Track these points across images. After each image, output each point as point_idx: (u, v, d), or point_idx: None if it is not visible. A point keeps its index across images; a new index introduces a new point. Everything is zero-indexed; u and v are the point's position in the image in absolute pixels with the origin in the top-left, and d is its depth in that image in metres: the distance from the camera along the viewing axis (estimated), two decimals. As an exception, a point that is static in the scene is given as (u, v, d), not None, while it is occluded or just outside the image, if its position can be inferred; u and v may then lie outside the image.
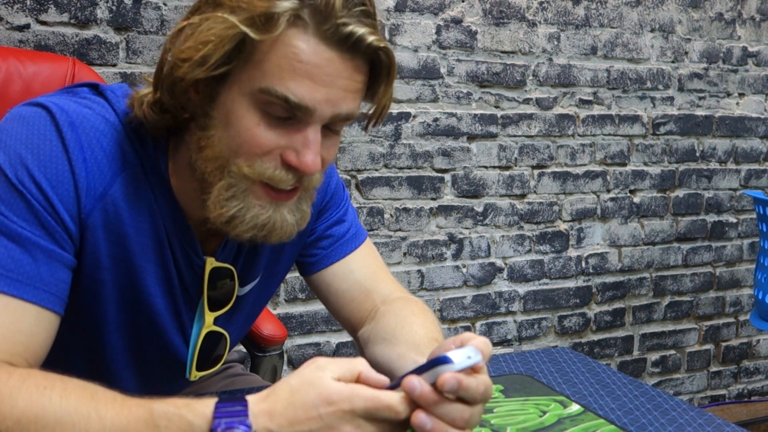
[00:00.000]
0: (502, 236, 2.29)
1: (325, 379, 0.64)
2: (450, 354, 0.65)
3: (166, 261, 0.86)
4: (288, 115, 0.76)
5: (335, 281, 1.02)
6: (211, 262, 0.89)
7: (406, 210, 2.14)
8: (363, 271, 1.03)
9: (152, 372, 0.94)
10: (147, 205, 0.83)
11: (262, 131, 0.76)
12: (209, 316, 0.91)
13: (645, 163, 2.50)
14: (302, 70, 0.74)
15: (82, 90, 0.85)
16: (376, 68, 0.80)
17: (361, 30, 0.75)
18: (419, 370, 0.66)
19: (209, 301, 0.91)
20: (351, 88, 0.77)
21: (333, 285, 1.02)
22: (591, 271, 2.46)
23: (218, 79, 0.77)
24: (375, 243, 2.10)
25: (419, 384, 0.64)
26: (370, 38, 0.75)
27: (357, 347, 1.04)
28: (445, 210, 2.19)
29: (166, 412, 0.65)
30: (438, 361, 0.65)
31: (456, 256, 2.23)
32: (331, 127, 0.80)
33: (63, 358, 0.82)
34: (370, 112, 0.84)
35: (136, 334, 0.89)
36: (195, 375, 0.94)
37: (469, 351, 0.66)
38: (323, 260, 1.02)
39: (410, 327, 0.93)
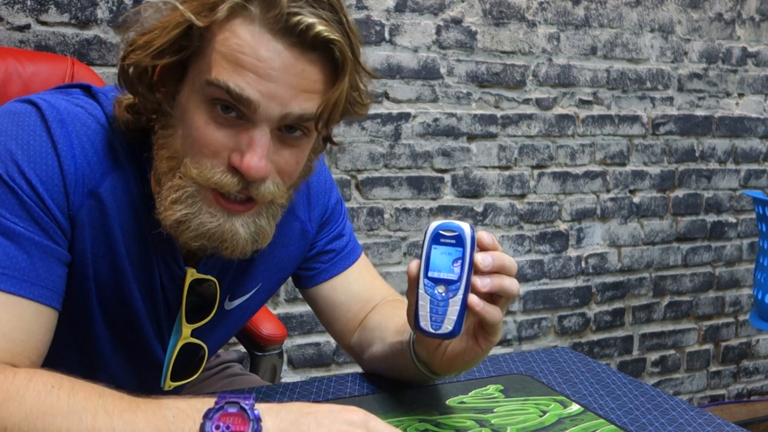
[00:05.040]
0: (502, 236, 2.29)
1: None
2: (462, 229, 0.73)
3: (150, 267, 0.85)
4: (236, 114, 0.74)
5: (333, 294, 1.02)
6: (191, 273, 0.87)
7: (406, 210, 2.14)
8: (360, 283, 1.03)
9: (141, 370, 0.93)
10: (134, 207, 0.82)
11: (210, 130, 0.74)
12: (186, 329, 0.90)
13: (645, 163, 2.50)
14: (246, 63, 0.72)
15: (75, 91, 0.85)
16: (340, 65, 0.75)
17: (309, 20, 0.71)
18: (467, 267, 0.72)
19: (189, 311, 0.89)
20: (303, 86, 0.74)
21: (331, 297, 1.03)
22: (591, 271, 2.46)
23: (179, 77, 0.76)
24: (375, 243, 2.11)
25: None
26: (319, 28, 0.71)
27: (350, 355, 1.05)
28: (445, 210, 2.19)
29: (174, 403, 0.66)
30: (470, 241, 0.73)
31: (456, 256, 2.22)
32: (289, 133, 0.76)
33: (58, 352, 0.82)
34: (319, 111, 0.76)
35: (120, 333, 0.89)
36: (169, 385, 0.92)
37: (446, 222, 0.74)
38: (323, 274, 1.02)
39: (392, 319, 0.96)
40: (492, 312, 0.74)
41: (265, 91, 0.72)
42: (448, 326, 0.72)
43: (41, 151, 0.76)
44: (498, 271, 0.74)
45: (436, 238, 0.73)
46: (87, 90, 0.85)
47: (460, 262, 0.72)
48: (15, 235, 0.74)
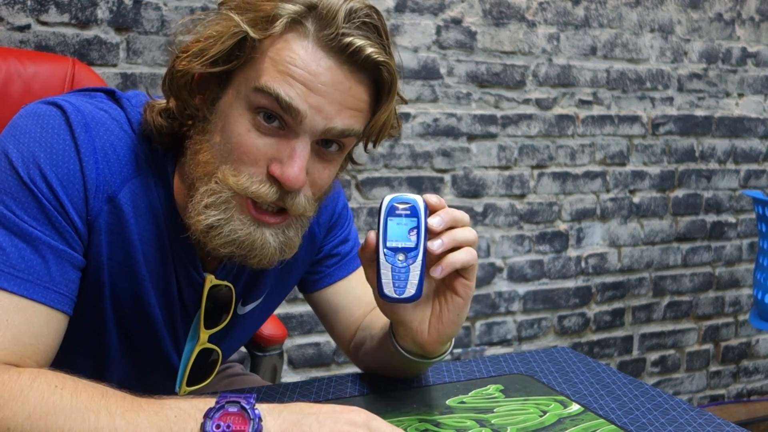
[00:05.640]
0: (502, 236, 2.29)
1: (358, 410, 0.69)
2: (414, 201, 0.77)
3: (167, 273, 0.86)
4: (279, 124, 0.75)
5: (336, 298, 1.03)
6: (210, 280, 0.88)
7: (405, 210, 2.13)
8: (362, 287, 1.04)
9: (152, 375, 0.94)
10: (153, 214, 0.83)
11: (252, 138, 0.75)
12: (204, 334, 0.91)
13: (644, 163, 2.50)
14: (297, 75, 0.74)
15: (99, 94, 0.85)
16: (380, 87, 0.79)
17: (360, 42, 0.74)
18: (423, 236, 0.77)
19: (205, 317, 0.90)
20: (348, 103, 0.76)
21: (334, 301, 1.04)
22: (590, 271, 2.46)
23: (221, 84, 0.77)
24: (375, 243, 2.10)
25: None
26: (369, 50, 0.75)
27: (350, 358, 1.06)
28: (445, 210, 2.19)
29: (177, 403, 0.67)
30: (421, 211, 0.77)
31: (456, 256, 2.22)
32: (325, 148, 0.78)
33: (69, 357, 0.82)
34: (369, 129, 0.82)
35: (134, 338, 0.89)
36: (185, 390, 0.93)
37: (397, 196, 0.77)
38: (327, 278, 1.03)
39: (380, 316, 0.97)
40: (459, 256, 0.78)
41: (313, 104, 0.74)
42: (410, 290, 0.77)
43: (64, 155, 0.76)
44: (451, 226, 0.78)
45: (392, 211, 0.77)
46: (111, 94, 0.85)
47: (416, 230, 0.77)
48: (31, 238, 0.74)
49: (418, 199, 0.77)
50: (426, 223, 0.77)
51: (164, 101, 0.81)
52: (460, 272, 0.80)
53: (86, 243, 0.79)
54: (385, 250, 0.77)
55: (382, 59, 0.76)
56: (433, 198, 0.78)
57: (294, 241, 0.81)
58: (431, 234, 0.78)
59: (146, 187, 0.82)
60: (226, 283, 0.90)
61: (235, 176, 0.76)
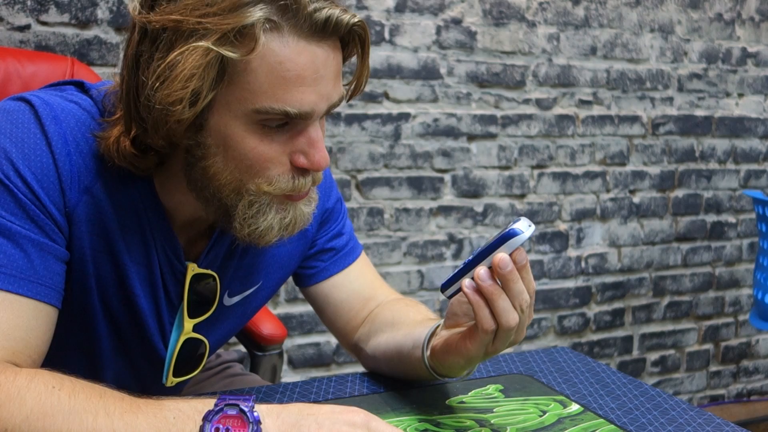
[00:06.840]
0: (502, 236, 2.29)
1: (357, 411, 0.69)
2: (515, 227, 0.72)
3: (151, 262, 0.85)
4: (286, 121, 0.75)
5: (333, 292, 1.03)
6: (192, 268, 0.88)
7: (406, 210, 2.14)
8: (360, 281, 1.04)
9: (142, 367, 0.93)
10: (132, 203, 0.82)
11: (265, 146, 0.75)
12: (188, 323, 0.90)
13: (644, 163, 2.50)
14: (292, 78, 0.73)
15: (69, 88, 0.84)
16: (345, 40, 0.78)
17: (335, 12, 0.73)
18: (488, 250, 0.72)
19: (190, 306, 0.90)
20: (335, 73, 0.77)
21: (331, 296, 1.03)
22: (590, 271, 2.46)
23: (203, 108, 0.74)
24: (375, 243, 2.11)
25: (508, 260, 0.71)
26: (345, 17, 0.74)
27: (352, 353, 1.05)
28: (445, 210, 2.20)
29: (175, 404, 0.67)
30: (507, 236, 0.72)
31: (456, 256, 2.23)
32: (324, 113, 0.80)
33: (60, 352, 0.82)
34: (351, 87, 0.83)
35: (122, 331, 0.89)
36: (171, 381, 0.93)
37: (525, 221, 0.73)
38: (323, 272, 1.03)
39: (407, 314, 0.97)
40: (484, 315, 0.73)
41: (315, 97, 0.75)
42: (444, 279, 0.77)
43: (36, 149, 0.76)
44: (506, 284, 0.73)
45: (507, 228, 0.74)
46: (80, 86, 0.84)
47: (489, 244, 0.73)
48: (12, 233, 0.73)
49: (518, 225, 0.71)
50: (495, 244, 0.72)
51: (115, 133, 0.77)
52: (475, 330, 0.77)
53: (67, 235, 0.79)
54: (480, 247, 0.75)
55: (356, 20, 0.75)
56: (521, 248, 0.72)
57: (316, 197, 0.85)
58: (491, 265, 0.72)
59: (123, 175, 0.81)
60: (210, 272, 0.89)
61: (269, 184, 0.77)
